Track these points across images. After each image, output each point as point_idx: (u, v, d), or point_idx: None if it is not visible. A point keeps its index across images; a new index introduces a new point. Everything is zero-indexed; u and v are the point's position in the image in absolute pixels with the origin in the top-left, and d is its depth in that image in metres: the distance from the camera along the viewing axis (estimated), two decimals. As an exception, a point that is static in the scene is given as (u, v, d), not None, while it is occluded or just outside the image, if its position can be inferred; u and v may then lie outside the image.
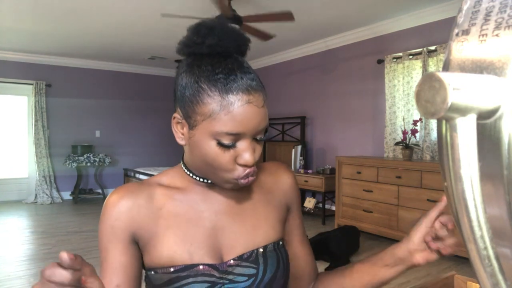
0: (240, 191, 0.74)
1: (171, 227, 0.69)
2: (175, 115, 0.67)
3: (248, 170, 0.64)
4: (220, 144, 0.61)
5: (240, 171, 0.64)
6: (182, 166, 0.73)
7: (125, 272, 0.67)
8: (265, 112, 0.64)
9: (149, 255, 0.68)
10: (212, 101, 0.60)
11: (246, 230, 0.71)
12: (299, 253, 0.82)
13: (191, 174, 0.71)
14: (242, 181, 0.64)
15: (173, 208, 0.70)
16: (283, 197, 0.79)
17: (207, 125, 0.61)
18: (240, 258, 0.69)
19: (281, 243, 0.74)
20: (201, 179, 0.71)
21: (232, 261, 0.68)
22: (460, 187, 0.25)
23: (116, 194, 0.69)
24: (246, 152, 0.62)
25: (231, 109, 0.60)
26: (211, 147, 0.62)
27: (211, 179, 0.68)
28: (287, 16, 3.48)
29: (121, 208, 0.68)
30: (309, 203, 5.10)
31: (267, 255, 0.71)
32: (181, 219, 0.70)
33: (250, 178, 0.65)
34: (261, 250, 0.71)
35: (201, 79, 0.61)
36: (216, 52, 0.62)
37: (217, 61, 0.62)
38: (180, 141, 0.68)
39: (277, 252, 0.72)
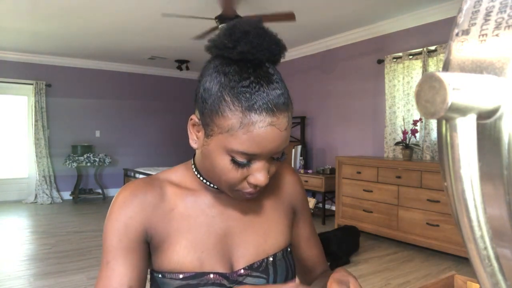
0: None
1: (183, 231, 0.66)
2: (193, 117, 0.64)
3: (255, 190, 0.62)
4: (233, 161, 0.59)
5: (246, 186, 0.62)
6: (193, 167, 0.71)
7: (137, 273, 0.64)
8: (287, 134, 0.60)
9: (158, 257, 0.66)
10: (233, 116, 0.57)
11: (256, 238, 0.70)
12: (306, 255, 0.81)
13: (201, 178, 0.70)
14: (248, 196, 0.63)
15: (184, 211, 0.68)
16: (289, 199, 0.78)
17: (223, 139, 0.58)
18: (250, 267, 0.68)
19: (289, 249, 0.73)
20: (211, 185, 0.69)
21: (242, 271, 0.67)
22: (460, 187, 0.25)
23: (127, 191, 0.66)
24: (260, 173, 0.60)
25: (251, 129, 0.56)
26: (224, 161, 0.60)
27: (217, 186, 0.67)
28: (289, 17, 3.47)
29: (134, 206, 0.65)
30: (309, 203, 5.09)
31: (277, 264, 0.70)
32: (192, 223, 0.67)
33: (257, 193, 0.64)
34: (271, 259, 0.69)
35: (226, 89, 0.57)
36: (246, 59, 0.58)
37: (246, 71, 0.57)
38: (193, 144, 0.65)
39: (286, 259, 0.71)
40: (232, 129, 0.57)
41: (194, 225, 0.67)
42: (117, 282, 0.62)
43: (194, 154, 0.71)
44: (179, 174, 0.71)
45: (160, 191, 0.68)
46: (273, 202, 0.75)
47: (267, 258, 0.69)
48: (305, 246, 0.81)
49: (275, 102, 0.57)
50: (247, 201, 0.72)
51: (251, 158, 0.59)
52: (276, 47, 0.60)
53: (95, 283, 0.65)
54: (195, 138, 0.64)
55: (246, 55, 0.57)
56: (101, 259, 0.66)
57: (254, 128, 0.56)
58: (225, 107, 0.57)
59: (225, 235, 0.68)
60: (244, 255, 0.68)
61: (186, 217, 0.67)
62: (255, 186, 0.61)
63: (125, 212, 0.64)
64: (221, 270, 0.66)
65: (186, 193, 0.69)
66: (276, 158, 0.62)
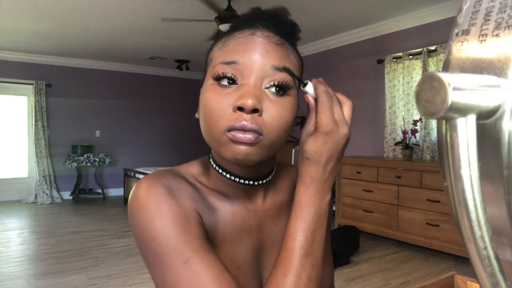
0: (280, 205, 0.62)
1: (226, 239, 0.56)
2: (201, 89, 0.60)
3: (243, 121, 0.48)
4: (218, 83, 0.51)
5: (233, 117, 0.49)
6: (211, 161, 0.60)
7: (224, 268, 0.50)
8: (279, 49, 0.52)
9: None
10: (219, 44, 0.54)
11: None
12: None
13: (220, 170, 0.58)
14: (237, 134, 0.48)
15: (225, 214, 0.57)
16: None
17: (209, 70, 0.54)
18: None
19: None
20: (233, 177, 0.57)
21: None
22: (460, 187, 0.25)
23: (160, 182, 0.52)
24: (245, 92, 0.49)
25: (232, 41, 0.52)
26: (209, 90, 0.52)
27: (212, 146, 0.54)
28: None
29: (182, 196, 0.52)
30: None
31: None
32: (235, 233, 0.57)
33: (249, 135, 0.48)
34: None
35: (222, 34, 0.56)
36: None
37: None
38: (196, 114, 0.58)
39: None
40: (216, 52, 0.54)
41: (236, 235, 0.57)
42: (216, 271, 0.48)
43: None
44: (200, 170, 0.60)
45: (194, 186, 0.56)
46: None
47: None
48: None
49: (266, 24, 0.54)
50: (278, 212, 0.62)
51: (232, 72, 0.50)
52: (287, 19, 0.56)
53: None
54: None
55: (250, 21, 0.54)
56: (164, 269, 0.48)
57: (234, 40, 0.52)
58: (215, 42, 0.56)
59: (258, 248, 0.60)
60: None
61: (228, 222, 0.57)
62: (240, 110, 0.49)
63: (176, 203, 0.51)
64: None
65: (220, 196, 0.58)
66: (276, 90, 0.51)
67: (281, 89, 0.51)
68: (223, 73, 0.50)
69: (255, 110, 0.48)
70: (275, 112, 0.50)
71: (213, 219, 0.56)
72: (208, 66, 0.55)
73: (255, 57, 0.50)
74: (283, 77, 0.51)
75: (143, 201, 0.50)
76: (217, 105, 0.50)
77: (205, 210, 0.55)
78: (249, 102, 0.47)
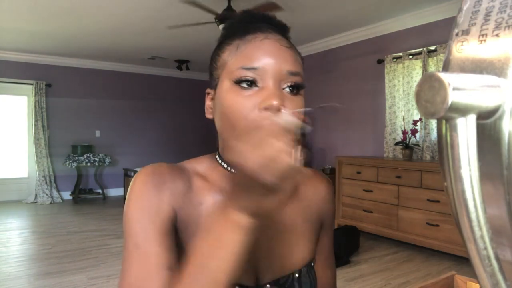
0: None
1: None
2: (207, 89, 0.64)
3: None
4: (239, 86, 0.56)
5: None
6: (217, 157, 0.65)
7: (173, 256, 0.55)
8: (291, 53, 0.58)
9: (181, 256, 0.58)
10: (230, 47, 0.59)
11: (283, 250, 0.65)
12: (320, 276, 0.75)
13: (225, 165, 0.62)
14: None
15: (213, 208, 0.60)
16: (319, 211, 0.72)
17: (225, 73, 0.58)
18: (276, 283, 0.63)
19: (312, 264, 0.69)
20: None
21: (268, 286, 0.63)
22: (460, 187, 0.25)
23: (154, 173, 0.58)
24: (269, 94, 0.54)
25: (247, 46, 0.57)
26: (231, 93, 0.56)
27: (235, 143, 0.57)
28: (272, 7, 3.46)
29: (165, 190, 0.58)
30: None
31: (302, 281, 0.65)
32: None
33: None
34: (296, 275, 0.65)
35: (223, 36, 0.61)
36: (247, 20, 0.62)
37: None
38: (207, 113, 0.63)
39: (310, 276, 0.67)
40: (230, 56, 0.58)
41: None
42: (154, 263, 0.53)
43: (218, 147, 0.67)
44: (205, 165, 0.65)
45: (188, 182, 0.61)
46: (302, 211, 0.69)
47: (293, 273, 0.65)
48: (321, 264, 0.75)
49: (271, 26, 0.60)
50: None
51: (253, 76, 0.55)
52: (278, 21, 0.63)
53: (122, 272, 0.54)
54: (208, 107, 0.63)
55: (245, 22, 0.60)
56: (124, 247, 0.55)
57: (250, 43, 0.57)
58: (223, 46, 0.60)
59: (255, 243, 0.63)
60: (270, 267, 0.63)
61: None
62: (268, 110, 0.54)
63: (156, 194, 0.57)
64: (246, 282, 0.60)
65: (215, 189, 0.62)
66: (290, 90, 0.57)
67: (295, 89, 0.58)
68: (244, 77, 0.55)
69: (279, 110, 0.54)
70: (296, 106, 0.57)
71: (198, 212, 0.59)
72: (221, 69, 0.59)
73: (272, 62, 0.56)
74: (297, 79, 0.58)
75: (134, 189, 0.58)
76: (241, 106, 0.55)
77: (189, 204, 0.59)
78: (275, 103, 0.53)
